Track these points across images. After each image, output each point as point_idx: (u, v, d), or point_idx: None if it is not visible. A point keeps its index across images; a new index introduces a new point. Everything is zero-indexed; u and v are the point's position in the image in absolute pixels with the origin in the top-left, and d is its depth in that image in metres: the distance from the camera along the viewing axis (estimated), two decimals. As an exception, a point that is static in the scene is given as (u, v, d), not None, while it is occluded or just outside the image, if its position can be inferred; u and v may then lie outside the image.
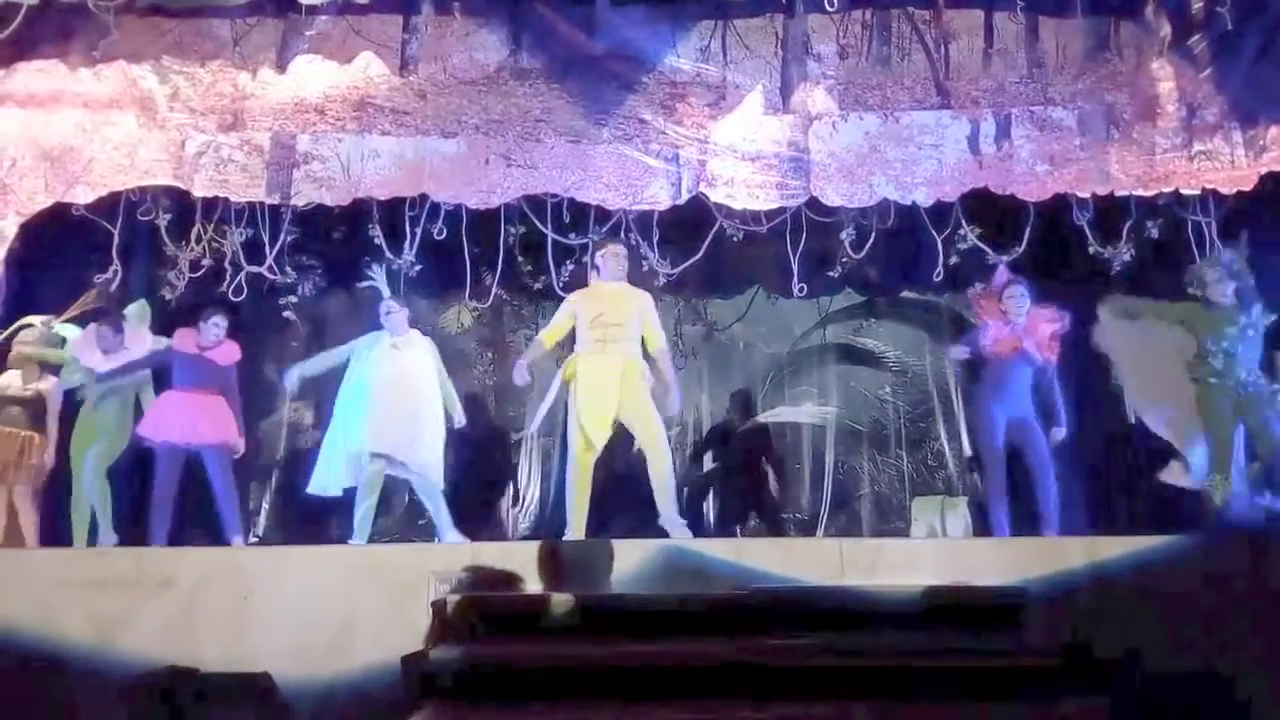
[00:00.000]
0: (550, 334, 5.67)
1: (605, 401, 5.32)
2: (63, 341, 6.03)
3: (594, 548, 4.80)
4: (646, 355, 5.55)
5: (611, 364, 5.36)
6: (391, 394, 5.65)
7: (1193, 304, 5.54)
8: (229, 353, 5.91)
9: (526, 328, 7.22)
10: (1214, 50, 5.86)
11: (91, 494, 5.82)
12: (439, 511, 5.72)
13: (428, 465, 5.67)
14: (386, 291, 5.93)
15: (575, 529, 5.35)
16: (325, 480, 5.82)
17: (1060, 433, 5.63)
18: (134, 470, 6.07)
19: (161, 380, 5.94)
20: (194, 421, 5.68)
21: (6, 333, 5.92)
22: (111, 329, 5.92)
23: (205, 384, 5.77)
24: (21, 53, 5.99)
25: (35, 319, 6.06)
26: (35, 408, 5.87)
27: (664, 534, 5.27)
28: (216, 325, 5.84)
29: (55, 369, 5.99)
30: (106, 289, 6.18)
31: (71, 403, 6.06)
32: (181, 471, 5.74)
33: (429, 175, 5.95)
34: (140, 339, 6.00)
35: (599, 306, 5.48)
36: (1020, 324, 5.56)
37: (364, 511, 5.63)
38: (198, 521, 5.96)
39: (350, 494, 5.75)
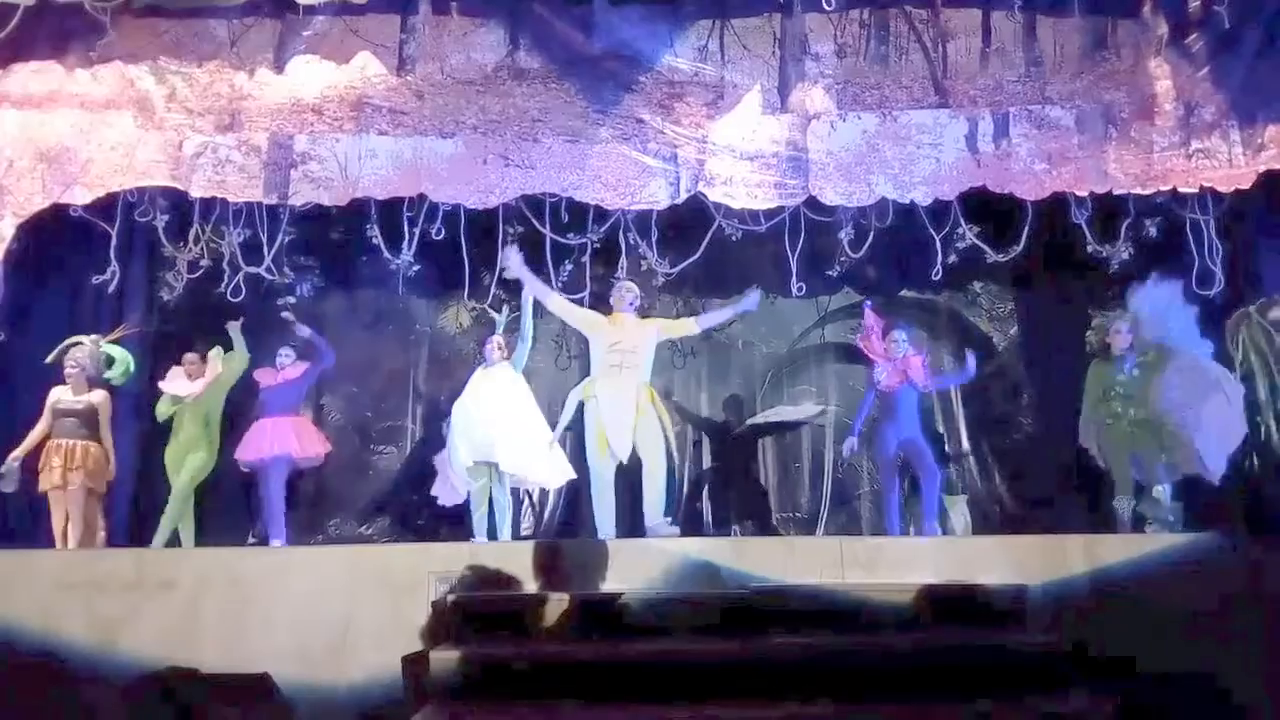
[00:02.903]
0: (564, 309, 5.81)
1: (625, 417, 5.55)
2: (110, 360, 6.21)
3: (593, 547, 4.79)
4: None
5: (628, 385, 5.58)
6: (483, 411, 6.00)
7: (1095, 360, 6.19)
8: (296, 368, 6.45)
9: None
10: (1212, 49, 5.88)
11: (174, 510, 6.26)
12: (503, 511, 6.05)
13: (523, 468, 5.99)
14: (501, 327, 6.40)
15: (604, 532, 5.49)
16: (445, 492, 6.55)
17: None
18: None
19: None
20: (267, 442, 6.27)
21: (57, 350, 6.05)
22: (200, 359, 6.46)
23: (280, 408, 6.38)
24: (18, 54, 6.00)
25: (84, 338, 6.18)
26: (87, 419, 6.04)
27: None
28: (285, 355, 6.44)
29: (104, 381, 6.19)
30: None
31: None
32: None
33: (427, 175, 5.96)
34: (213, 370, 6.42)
35: (616, 334, 5.69)
36: (900, 359, 6.24)
37: (479, 519, 6.03)
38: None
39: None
